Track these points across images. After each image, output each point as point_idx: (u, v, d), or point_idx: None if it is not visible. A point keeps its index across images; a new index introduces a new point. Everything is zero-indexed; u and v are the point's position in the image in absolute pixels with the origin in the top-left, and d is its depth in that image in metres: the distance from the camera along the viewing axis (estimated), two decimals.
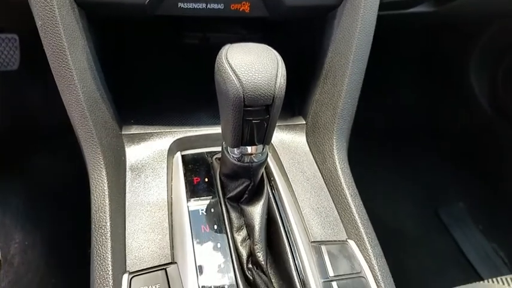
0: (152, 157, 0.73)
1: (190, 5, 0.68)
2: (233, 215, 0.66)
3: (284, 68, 0.50)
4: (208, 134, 0.77)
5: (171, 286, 0.57)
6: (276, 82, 0.48)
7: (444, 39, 1.53)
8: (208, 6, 0.68)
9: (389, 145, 1.61)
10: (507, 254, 1.42)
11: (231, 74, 0.48)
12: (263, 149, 0.60)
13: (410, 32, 1.46)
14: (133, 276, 0.58)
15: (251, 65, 0.48)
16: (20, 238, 1.34)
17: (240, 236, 0.65)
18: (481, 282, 0.87)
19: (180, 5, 0.67)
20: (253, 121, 0.53)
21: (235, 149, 0.59)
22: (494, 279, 0.85)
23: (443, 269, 1.40)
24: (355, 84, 0.72)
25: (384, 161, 1.56)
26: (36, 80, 1.32)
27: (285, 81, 0.49)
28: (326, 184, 0.73)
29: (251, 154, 0.59)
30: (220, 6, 0.68)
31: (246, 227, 0.65)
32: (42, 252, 1.30)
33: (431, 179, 1.58)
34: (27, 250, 1.32)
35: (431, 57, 1.63)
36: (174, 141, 0.75)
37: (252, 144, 0.57)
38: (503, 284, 0.83)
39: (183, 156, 0.74)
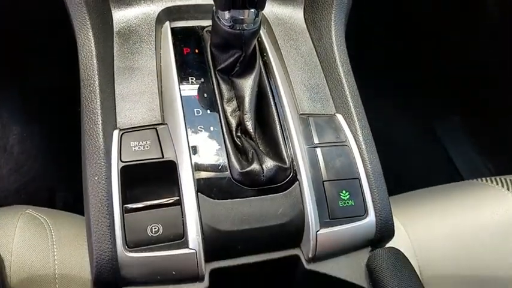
0: (140, 24, 0.70)
1: None
2: (224, 87, 0.66)
3: None
4: (200, 4, 0.74)
5: (161, 142, 0.59)
6: None
7: None
8: None
9: (387, 56, 1.57)
10: (495, 166, 1.47)
11: None
12: (256, 16, 0.58)
13: None
14: (124, 132, 0.60)
15: None
16: (18, 130, 1.37)
17: (230, 107, 0.65)
18: (469, 180, 0.91)
19: None
20: None
21: (226, 13, 0.57)
22: (480, 179, 0.89)
23: (432, 176, 1.46)
24: None
25: (380, 69, 1.54)
26: None
27: None
28: (320, 61, 0.73)
29: (243, 21, 0.57)
30: None
31: (236, 99, 0.66)
32: (41, 142, 1.34)
33: (429, 90, 1.57)
34: (25, 140, 1.35)
35: None
36: (163, 10, 0.72)
37: (243, 7, 0.55)
38: (487, 182, 0.87)
39: (172, 27, 0.72)
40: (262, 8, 0.57)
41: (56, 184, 1.32)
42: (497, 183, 0.85)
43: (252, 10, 0.56)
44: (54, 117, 1.36)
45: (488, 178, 0.88)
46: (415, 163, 1.48)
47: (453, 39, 1.56)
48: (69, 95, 0.88)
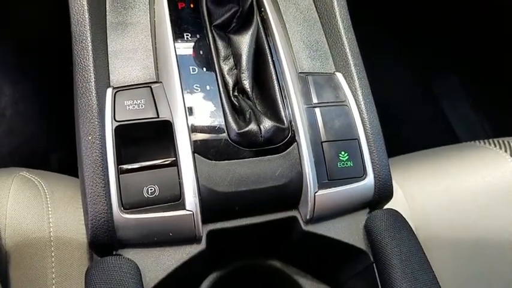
0: None
1: None
2: (220, 44, 0.63)
3: None
4: None
5: (156, 101, 0.57)
6: None
7: None
8: None
9: (383, 14, 1.52)
10: (491, 126, 1.47)
11: None
12: None
13: None
14: (117, 91, 0.57)
15: None
16: (10, 91, 1.34)
17: (226, 66, 0.63)
18: (467, 142, 0.91)
19: None
20: None
21: None
22: (478, 141, 0.88)
23: (428, 136, 1.46)
24: None
25: (380, 27, 1.50)
26: None
27: None
28: (320, 17, 0.69)
29: None
30: None
31: (233, 57, 0.63)
32: (34, 103, 1.31)
33: (428, 49, 1.54)
34: (18, 102, 1.32)
35: None
36: None
37: None
38: (484, 144, 0.87)
39: None
40: None
41: (51, 146, 1.31)
42: (495, 146, 0.85)
43: None
44: (46, 77, 1.32)
45: (487, 140, 0.87)
46: (412, 124, 1.48)
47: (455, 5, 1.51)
48: (61, 51, 0.84)
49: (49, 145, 1.31)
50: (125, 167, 0.53)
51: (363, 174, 0.60)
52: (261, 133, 0.56)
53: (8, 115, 1.30)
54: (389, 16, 1.54)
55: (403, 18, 1.54)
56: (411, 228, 0.60)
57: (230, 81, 0.62)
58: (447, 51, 1.54)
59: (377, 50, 1.46)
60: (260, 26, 0.65)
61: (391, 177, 0.62)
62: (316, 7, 0.70)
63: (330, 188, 0.58)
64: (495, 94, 1.47)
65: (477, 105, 1.50)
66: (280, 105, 0.59)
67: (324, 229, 0.59)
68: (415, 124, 1.48)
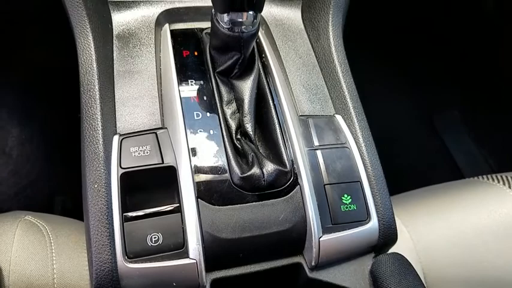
0: (139, 27, 0.70)
1: None
2: (223, 89, 0.65)
3: None
4: (199, 6, 0.73)
5: (161, 147, 0.58)
6: None
7: None
8: None
9: (389, 46, 1.56)
10: (496, 161, 1.47)
11: None
12: (254, 18, 0.57)
13: None
14: (124, 138, 0.59)
15: None
16: (17, 132, 1.37)
17: (229, 110, 0.65)
18: (470, 178, 0.91)
19: None
20: None
21: (225, 15, 0.56)
22: (481, 176, 0.88)
23: (432, 171, 1.46)
24: None
25: (382, 62, 1.53)
26: None
27: None
28: (318, 62, 0.72)
29: (241, 23, 0.56)
30: None
31: (235, 101, 0.65)
32: (40, 145, 1.33)
33: (429, 84, 1.57)
34: (24, 143, 1.34)
35: None
36: (162, 12, 0.71)
37: (242, 9, 0.54)
38: (488, 180, 0.87)
39: (171, 30, 0.71)
40: (261, 10, 0.56)
41: (55, 187, 1.32)
42: (498, 181, 0.85)
43: (251, 12, 0.56)
44: (53, 120, 1.35)
45: (489, 176, 0.87)
46: (415, 158, 1.48)
47: (453, 35, 1.55)
48: (68, 95, 0.87)
49: (54, 186, 1.32)
50: (130, 214, 0.53)
51: (366, 218, 0.60)
52: (263, 177, 0.57)
53: (15, 156, 1.32)
54: (390, 50, 1.58)
55: (404, 52, 1.58)
56: (417, 273, 0.59)
57: (233, 125, 0.63)
58: (448, 85, 1.57)
59: (377, 84, 1.49)
60: (261, 71, 0.67)
61: (394, 220, 0.62)
62: (314, 52, 0.73)
63: (334, 232, 0.58)
64: (497, 127, 1.48)
65: (480, 139, 1.51)
66: (282, 148, 0.60)
67: (330, 275, 0.59)
68: (417, 159, 1.48)
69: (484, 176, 0.88)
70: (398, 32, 1.57)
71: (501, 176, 0.86)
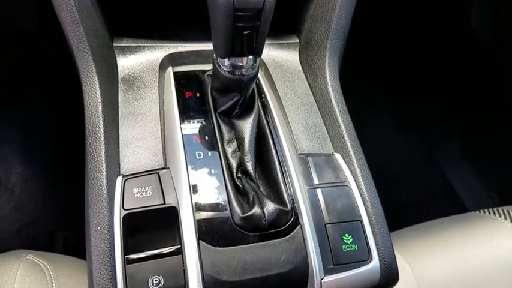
0: (144, 70, 0.73)
1: None
2: (224, 128, 0.67)
3: None
4: (201, 50, 0.76)
5: (163, 188, 0.59)
6: None
7: None
8: None
9: (386, 79, 1.59)
10: (497, 193, 1.46)
11: None
12: (254, 62, 0.60)
13: None
14: (127, 179, 0.60)
15: None
16: (20, 169, 1.38)
17: (230, 148, 0.66)
18: (471, 212, 0.91)
19: None
20: (244, 30, 0.52)
21: (226, 60, 0.58)
22: (483, 210, 0.89)
23: (434, 205, 1.45)
24: None
25: (379, 95, 1.56)
26: (29, 6, 1.28)
27: None
28: (316, 101, 0.74)
29: (242, 67, 0.59)
30: None
31: (236, 140, 0.67)
32: (42, 182, 1.35)
33: (427, 115, 1.59)
34: (27, 180, 1.36)
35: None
36: (166, 56, 0.74)
37: (242, 55, 0.57)
38: (489, 214, 0.87)
39: (175, 72, 0.74)
40: (260, 55, 0.59)
41: (57, 224, 1.32)
42: (499, 215, 0.85)
43: (250, 57, 0.58)
44: (56, 157, 1.37)
45: (490, 210, 0.88)
46: (415, 191, 1.48)
47: (451, 66, 1.59)
48: (72, 133, 0.89)
49: (55, 223, 1.32)
50: (132, 256, 0.54)
51: (368, 258, 0.60)
52: (264, 216, 0.57)
53: (17, 192, 1.33)
54: (388, 82, 1.61)
55: (403, 86, 1.61)
56: None
57: (234, 163, 0.65)
58: (446, 117, 1.59)
59: (375, 116, 1.51)
60: (261, 110, 0.69)
61: (395, 259, 0.62)
62: (312, 92, 0.75)
63: (336, 273, 0.57)
64: (497, 158, 1.49)
65: (480, 170, 1.51)
66: (283, 187, 0.61)
67: None
68: (418, 192, 1.48)
69: (486, 210, 0.89)
70: (397, 64, 1.62)
71: (503, 210, 0.86)
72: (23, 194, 1.32)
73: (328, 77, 0.73)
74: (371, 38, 1.48)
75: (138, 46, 0.74)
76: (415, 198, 1.45)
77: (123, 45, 0.74)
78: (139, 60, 0.73)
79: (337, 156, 0.68)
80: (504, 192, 1.43)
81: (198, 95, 0.71)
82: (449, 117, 1.59)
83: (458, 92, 1.59)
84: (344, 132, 0.69)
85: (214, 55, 0.61)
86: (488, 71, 1.53)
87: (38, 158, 1.37)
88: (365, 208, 0.63)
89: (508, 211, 0.85)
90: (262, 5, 0.49)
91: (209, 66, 0.74)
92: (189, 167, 0.61)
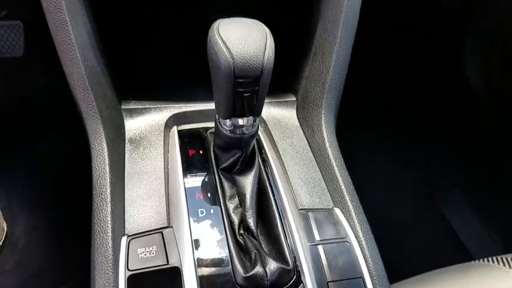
0: (150, 131, 0.76)
1: None
2: (226, 184, 0.70)
3: (272, 41, 0.53)
4: (204, 109, 0.80)
5: (166, 247, 0.61)
6: (264, 54, 0.51)
7: (436, 33, 1.55)
8: None
9: (384, 128, 1.63)
10: (502, 239, 1.44)
11: (222, 46, 0.50)
12: (254, 121, 0.63)
13: (402, 28, 1.48)
14: (131, 239, 0.62)
15: (241, 38, 0.51)
16: (24, 222, 1.39)
17: (232, 204, 0.68)
18: (473, 261, 0.90)
19: None
20: (244, 93, 0.56)
21: (227, 120, 0.62)
22: (485, 259, 0.88)
23: (439, 255, 1.43)
24: (342, 60, 0.75)
25: (378, 144, 1.59)
26: (38, 67, 1.36)
27: (273, 53, 0.52)
28: (314, 156, 0.77)
29: (242, 126, 0.62)
30: None
31: (238, 196, 0.69)
32: (45, 235, 1.35)
33: (427, 163, 1.60)
34: (31, 233, 1.36)
35: (426, 50, 1.65)
36: (171, 116, 0.79)
37: (243, 115, 0.60)
38: (493, 262, 0.87)
39: (179, 131, 0.78)
40: (259, 115, 0.62)
41: (59, 277, 1.30)
42: (504, 264, 0.84)
43: (250, 117, 0.62)
44: (60, 211, 1.39)
45: (495, 258, 0.87)
46: (418, 239, 1.46)
47: (450, 113, 1.63)
48: (77, 187, 0.91)
49: (57, 276, 1.31)
50: None
51: None
52: (266, 276, 0.58)
53: (20, 246, 1.33)
54: (386, 129, 1.64)
55: (399, 132, 1.65)
56: None
57: (236, 220, 0.66)
58: (447, 162, 1.61)
59: (376, 163, 1.53)
60: (261, 166, 0.72)
61: None
62: (310, 148, 0.79)
63: None
64: (499, 202, 1.49)
65: (482, 215, 1.50)
66: (284, 244, 0.62)
67: None
68: (420, 239, 1.47)
69: (490, 259, 0.88)
70: (397, 113, 1.66)
71: (506, 258, 0.85)
72: (26, 248, 1.32)
73: (325, 133, 0.76)
74: (370, 85, 1.54)
75: (144, 108, 0.79)
76: (416, 244, 1.43)
77: (130, 107, 0.78)
78: (146, 121, 0.78)
79: (337, 211, 0.70)
80: (507, 234, 1.41)
81: (201, 152, 0.74)
82: (450, 162, 1.60)
83: (457, 136, 1.62)
84: (343, 187, 0.71)
85: (217, 115, 0.65)
86: (489, 119, 1.56)
87: (42, 211, 1.39)
88: (366, 265, 0.63)
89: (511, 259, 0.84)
90: (261, 73, 0.53)
91: (212, 124, 0.78)
92: (192, 225, 0.63)
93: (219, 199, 0.66)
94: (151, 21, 0.88)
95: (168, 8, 0.86)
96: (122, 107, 0.78)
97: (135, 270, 0.58)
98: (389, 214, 1.28)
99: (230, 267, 0.59)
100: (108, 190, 0.65)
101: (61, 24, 0.64)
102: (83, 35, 0.67)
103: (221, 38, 0.51)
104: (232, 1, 0.77)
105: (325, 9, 0.76)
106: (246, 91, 0.55)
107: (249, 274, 0.58)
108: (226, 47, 0.50)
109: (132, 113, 0.78)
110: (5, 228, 1.29)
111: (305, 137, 0.80)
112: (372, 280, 0.62)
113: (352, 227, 0.67)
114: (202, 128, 0.79)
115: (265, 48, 0.52)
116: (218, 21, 0.54)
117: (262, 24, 0.54)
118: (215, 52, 0.52)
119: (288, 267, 0.60)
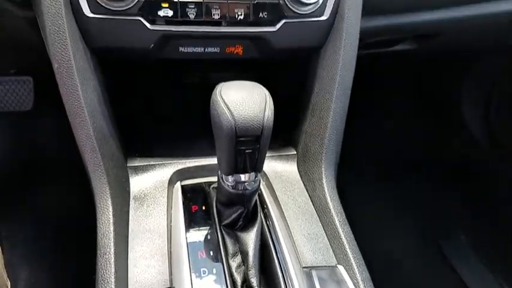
0: (154, 187, 0.78)
1: (190, 49, 0.76)
2: (228, 241, 0.70)
3: (272, 103, 0.56)
4: (206, 164, 0.82)
5: None
6: (264, 115, 0.54)
7: (433, 74, 1.61)
8: (206, 50, 0.76)
9: (388, 177, 1.63)
10: (507, 283, 1.39)
11: (224, 108, 0.53)
12: (255, 177, 0.65)
13: (398, 68, 1.54)
14: None
15: (242, 101, 0.54)
16: (25, 276, 1.37)
17: (234, 262, 0.68)
18: None
19: (181, 49, 0.76)
20: (246, 151, 0.58)
21: (229, 176, 0.64)
22: None
23: None
24: (339, 117, 0.78)
25: (382, 194, 1.58)
26: (47, 120, 1.40)
27: (273, 114, 0.55)
28: (316, 211, 0.77)
29: (244, 182, 0.64)
30: (217, 49, 0.76)
31: (240, 253, 0.69)
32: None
33: (431, 211, 1.59)
34: (32, 287, 1.33)
35: (423, 91, 1.70)
36: (175, 172, 0.80)
37: (244, 172, 0.62)
38: None
39: (182, 186, 0.79)
40: (260, 171, 0.64)
41: None
42: None
43: (252, 173, 0.63)
44: (62, 265, 1.37)
45: None
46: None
47: (450, 157, 1.64)
48: (80, 240, 0.91)
49: None
50: None
51: None
52: None
53: None
54: (389, 178, 1.65)
55: (402, 180, 1.65)
56: None
57: (238, 279, 0.65)
58: (453, 211, 1.59)
59: (379, 210, 1.52)
60: (264, 221, 0.72)
61: None
62: (312, 202, 0.79)
63: None
64: (509, 250, 1.46)
65: (493, 265, 1.46)
66: None
67: None
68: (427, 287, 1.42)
69: None
70: (395, 163, 1.67)
71: None
72: None
73: (325, 187, 0.77)
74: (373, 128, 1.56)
75: (149, 165, 0.81)
76: None
77: (136, 165, 0.81)
78: (150, 178, 0.79)
79: (341, 268, 0.68)
80: None
81: (203, 208, 0.75)
82: (454, 208, 1.59)
83: (462, 187, 1.62)
84: (345, 243, 0.70)
85: (219, 171, 0.66)
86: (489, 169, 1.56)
87: (44, 264, 1.37)
88: None
89: None
90: (261, 132, 0.55)
91: (214, 178, 0.79)
92: (194, 285, 0.62)
93: (222, 258, 0.66)
94: (158, 84, 0.92)
95: (173, 72, 0.91)
96: (128, 165, 0.80)
97: None
98: (395, 260, 1.25)
99: None
100: (112, 250, 0.65)
101: (72, 89, 0.68)
102: (93, 98, 0.70)
103: (223, 101, 0.54)
104: (233, 66, 0.82)
105: (321, 69, 0.80)
106: (248, 149, 0.58)
107: None
108: (228, 108, 0.53)
109: (137, 170, 0.80)
110: (9, 286, 1.27)
111: (306, 190, 0.81)
112: None
113: (356, 286, 0.66)
114: (205, 182, 0.81)
115: (264, 110, 0.54)
116: (220, 84, 0.58)
117: (262, 86, 0.57)
118: (218, 114, 0.54)
119: None
